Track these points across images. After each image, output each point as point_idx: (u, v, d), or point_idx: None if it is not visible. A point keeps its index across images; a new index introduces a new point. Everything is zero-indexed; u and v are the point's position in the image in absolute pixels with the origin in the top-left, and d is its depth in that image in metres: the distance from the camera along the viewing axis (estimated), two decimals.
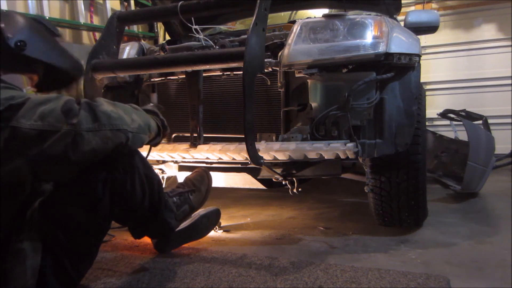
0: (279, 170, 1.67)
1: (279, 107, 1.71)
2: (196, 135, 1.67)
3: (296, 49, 1.51)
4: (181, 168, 1.87)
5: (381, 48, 1.47)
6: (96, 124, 1.04)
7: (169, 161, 1.82)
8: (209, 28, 2.43)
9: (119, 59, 1.86)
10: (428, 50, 4.36)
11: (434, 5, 4.40)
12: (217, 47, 1.72)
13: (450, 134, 3.54)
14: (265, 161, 1.45)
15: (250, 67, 1.35)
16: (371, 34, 1.49)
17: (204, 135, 1.69)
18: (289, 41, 1.53)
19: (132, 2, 4.09)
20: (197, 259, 1.53)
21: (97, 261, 1.35)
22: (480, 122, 3.42)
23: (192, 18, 1.67)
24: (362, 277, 1.32)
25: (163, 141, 1.46)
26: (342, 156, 1.45)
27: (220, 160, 1.63)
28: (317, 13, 2.41)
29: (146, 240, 1.60)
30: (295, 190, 1.70)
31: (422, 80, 1.83)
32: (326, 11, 2.38)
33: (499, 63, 4.15)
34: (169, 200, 1.51)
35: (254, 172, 1.72)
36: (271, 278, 1.34)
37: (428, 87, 4.27)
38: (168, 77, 1.93)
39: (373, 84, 1.51)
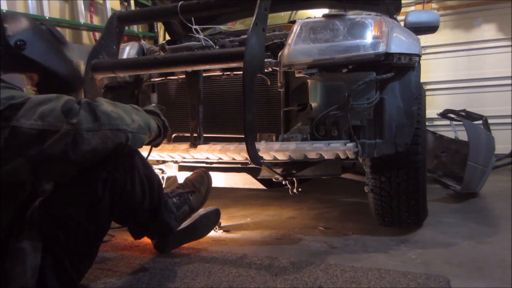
0: (279, 170, 1.67)
1: (279, 107, 1.71)
2: (196, 135, 1.67)
3: (296, 49, 1.51)
4: (181, 168, 1.87)
5: (381, 48, 1.47)
6: (96, 124, 1.04)
7: (169, 161, 1.82)
8: (209, 28, 2.43)
9: (119, 59, 1.86)
10: (428, 50, 4.36)
11: (434, 5, 4.40)
12: (217, 47, 1.72)
13: (450, 134, 3.54)
14: (265, 161, 1.45)
15: (250, 67, 1.35)
16: (371, 34, 1.49)
17: (204, 135, 1.69)
18: (289, 41, 1.53)
19: (132, 2, 4.09)
20: (197, 259, 1.53)
21: (97, 261, 1.36)
22: (480, 122, 3.42)
23: (192, 18, 1.67)
24: (362, 277, 1.32)
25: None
26: (342, 156, 1.45)
27: (220, 160, 1.63)
28: (317, 13, 2.41)
29: (146, 240, 1.60)
30: (295, 190, 1.70)
31: (422, 80, 1.83)
32: (326, 11, 2.38)
33: (499, 63, 4.15)
34: (169, 201, 1.51)
35: (254, 172, 1.72)
36: (271, 278, 1.34)
37: (428, 87, 4.27)
38: (168, 77, 1.93)
39: (373, 84, 1.51)
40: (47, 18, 3.14)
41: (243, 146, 1.42)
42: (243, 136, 1.36)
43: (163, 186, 1.85)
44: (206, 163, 1.73)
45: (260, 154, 1.44)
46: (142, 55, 2.03)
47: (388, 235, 1.79)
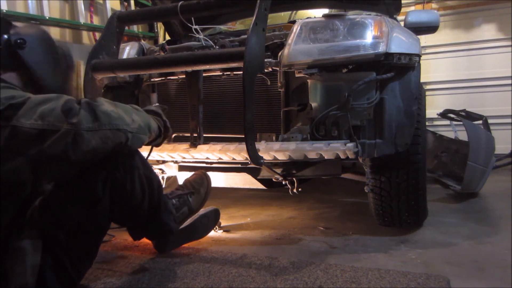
0: (279, 170, 1.67)
1: (279, 107, 1.71)
2: (196, 135, 1.67)
3: (296, 49, 1.51)
4: (181, 168, 1.87)
5: (381, 48, 1.47)
6: (96, 123, 1.04)
7: (169, 161, 1.82)
8: (209, 28, 2.43)
9: (119, 59, 1.86)
10: (428, 50, 4.36)
11: (434, 5, 4.40)
12: (217, 47, 1.72)
13: (450, 134, 3.54)
14: (265, 161, 1.45)
15: (250, 67, 1.35)
16: (371, 34, 1.49)
17: (204, 135, 1.69)
18: (289, 41, 1.53)
19: (132, 2, 4.08)
20: (197, 259, 1.53)
21: (97, 261, 1.35)
22: (480, 122, 3.42)
23: (192, 18, 1.67)
24: (362, 277, 1.32)
25: None
26: (342, 156, 1.45)
27: (220, 160, 1.63)
28: (317, 13, 2.41)
29: (146, 240, 1.60)
30: (295, 190, 1.70)
31: (422, 80, 1.83)
32: (326, 11, 2.38)
33: (499, 63, 4.15)
34: (168, 202, 1.50)
35: (254, 172, 1.72)
36: (271, 278, 1.34)
37: (428, 87, 4.27)
38: (168, 77, 1.93)
39: (373, 84, 1.51)
40: (47, 18, 3.13)
41: (243, 146, 1.42)
42: (243, 136, 1.36)
43: (163, 186, 1.85)
44: (206, 163, 1.73)
45: (260, 154, 1.44)
46: (142, 55, 2.03)
47: (388, 235, 1.79)
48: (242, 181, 1.79)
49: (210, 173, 1.78)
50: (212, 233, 1.81)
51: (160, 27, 4.30)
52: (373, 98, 1.50)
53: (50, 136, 0.99)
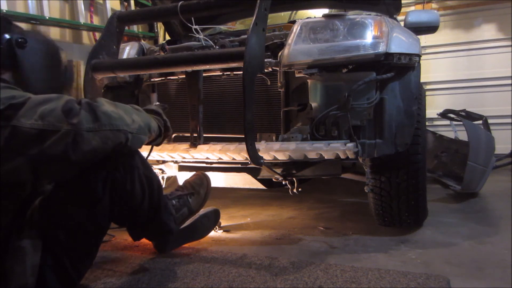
0: (279, 170, 1.67)
1: (279, 107, 1.71)
2: (196, 135, 1.67)
3: (296, 49, 1.51)
4: (181, 168, 1.87)
5: (381, 48, 1.47)
6: (96, 124, 1.04)
7: (169, 161, 1.82)
8: (209, 28, 2.43)
9: (119, 59, 1.86)
10: (428, 50, 4.37)
11: (434, 5, 4.40)
12: (217, 47, 1.72)
13: (450, 134, 3.54)
14: (265, 161, 1.45)
15: (250, 67, 1.35)
16: (371, 34, 1.49)
17: (204, 135, 1.69)
18: (289, 41, 1.53)
19: (132, 2, 4.09)
20: (197, 259, 1.53)
21: (97, 261, 1.36)
22: (480, 122, 3.42)
23: (192, 18, 1.67)
24: (362, 277, 1.32)
25: None
26: (342, 156, 1.45)
27: (220, 160, 1.63)
28: (317, 13, 2.41)
29: (146, 240, 1.60)
30: (295, 190, 1.69)
31: (422, 80, 1.83)
32: (326, 11, 2.38)
33: (499, 63, 4.15)
34: (168, 203, 1.50)
35: (254, 172, 1.72)
36: (271, 278, 1.34)
37: (428, 87, 4.27)
38: (168, 77, 1.93)
39: (373, 84, 1.51)
40: (47, 18, 3.13)
41: (243, 146, 1.42)
42: (243, 136, 1.36)
43: (163, 186, 1.85)
44: (206, 163, 1.73)
45: (260, 154, 1.44)
46: (142, 55, 2.03)
47: (388, 235, 1.79)
48: (242, 181, 1.79)
49: (210, 173, 1.78)
50: (212, 233, 1.81)
51: (160, 27, 4.30)
52: (373, 98, 1.50)
53: (50, 136, 0.99)
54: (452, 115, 3.67)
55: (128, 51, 2.03)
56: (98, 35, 3.59)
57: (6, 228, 1.08)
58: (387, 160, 1.65)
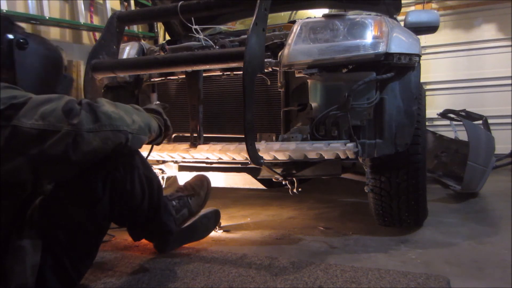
0: (279, 170, 1.67)
1: (279, 107, 1.71)
2: (196, 135, 1.67)
3: (296, 49, 1.51)
4: (181, 168, 1.87)
5: (381, 48, 1.47)
6: (96, 124, 1.05)
7: (169, 161, 1.82)
8: (209, 28, 2.43)
9: (119, 59, 1.86)
10: (428, 50, 4.37)
11: (434, 5, 4.40)
12: (217, 47, 1.72)
13: (450, 134, 3.54)
14: (265, 161, 1.45)
15: (250, 67, 1.35)
16: (371, 34, 1.49)
17: (204, 135, 1.69)
18: (289, 41, 1.53)
19: (132, 2, 4.09)
20: (197, 259, 1.53)
21: (97, 261, 1.36)
22: (480, 122, 3.42)
23: (192, 18, 1.67)
24: (362, 277, 1.32)
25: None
26: (342, 156, 1.45)
27: (220, 160, 1.63)
28: (317, 13, 2.41)
29: (146, 240, 1.60)
30: (295, 190, 1.70)
31: (422, 80, 1.83)
32: (326, 11, 2.38)
33: (499, 63, 4.15)
34: (168, 203, 1.50)
35: (254, 172, 1.72)
36: (271, 278, 1.34)
37: (428, 87, 4.27)
38: (168, 77, 1.93)
39: (373, 84, 1.51)
40: (47, 18, 3.13)
41: (243, 146, 1.42)
42: (243, 136, 1.36)
43: (163, 186, 1.85)
44: (206, 163, 1.73)
45: (260, 154, 1.44)
46: (142, 55, 2.03)
47: (388, 235, 1.79)
48: (242, 181, 1.79)
49: (210, 173, 1.78)
50: (212, 233, 1.81)
51: (160, 27, 4.30)
52: (373, 98, 1.50)
53: (50, 137, 0.99)
54: (452, 115, 3.67)
55: (128, 51, 2.03)
56: (98, 35, 3.59)
57: (6, 228, 1.08)
58: (387, 160, 1.65)
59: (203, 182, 1.72)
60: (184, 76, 1.77)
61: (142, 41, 2.56)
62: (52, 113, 1.00)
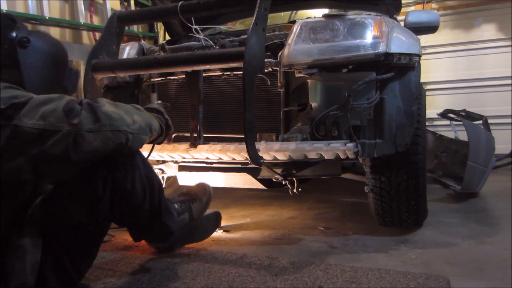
0: (279, 170, 1.67)
1: (279, 107, 1.71)
2: (196, 135, 1.67)
3: (296, 49, 1.51)
4: (181, 168, 1.87)
5: (381, 48, 1.47)
6: (97, 124, 1.04)
7: (169, 161, 1.82)
8: (209, 28, 2.43)
9: (119, 59, 1.86)
10: (428, 50, 4.37)
11: (434, 5, 4.40)
12: (217, 47, 1.72)
13: (450, 134, 3.54)
14: (265, 161, 1.45)
15: (250, 67, 1.35)
16: (371, 34, 1.49)
17: (204, 135, 1.69)
18: (289, 41, 1.53)
19: (132, 2, 4.08)
20: (197, 259, 1.53)
21: (97, 261, 1.35)
22: (480, 122, 3.42)
23: (192, 18, 1.67)
24: (362, 277, 1.32)
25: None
26: (342, 156, 1.45)
27: (220, 160, 1.63)
28: (317, 13, 2.41)
29: (146, 242, 1.60)
30: (295, 190, 1.70)
31: (422, 80, 1.83)
32: (326, 11, 2.38)
33: (499, 63, 4.15)
34: (169, 205, 1.50)
35: (254, 172, 1.72)
36: (271, 278, 1.34)
37: (428, 87, 4.27)
38: (168, 77, 1.93)
39: (373, 84, 1.51)
40: (47, 18, 3.13)
41: (243, 146, 1.42)
42: (243, 136, 1.36)
43: (163, 186, 1.85)
44: (206, 163, 1.73)
45: (260, 154, 1.44)
46: (142, 55, 2.03)
47: (388, 235, 1.79)
48: (242, 181, 1.79)
49: (210, 173, 1.78)
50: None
51: (160, 27, 4.30)
52: (373, 98, 1.50)
53: (51, 137, 0.99)
54: (452, 115, 3.67)
55: (128, 51, 2.03)
56: (98, 35, 3.59)
57: (6, 227, 1.08)
58: (387, 160, 1.66)
59: (205, 188, 1.72)
60: (184, 76, 1.77)
61: (142, 41, 2.56)
62: (53, 113, 1.00)
